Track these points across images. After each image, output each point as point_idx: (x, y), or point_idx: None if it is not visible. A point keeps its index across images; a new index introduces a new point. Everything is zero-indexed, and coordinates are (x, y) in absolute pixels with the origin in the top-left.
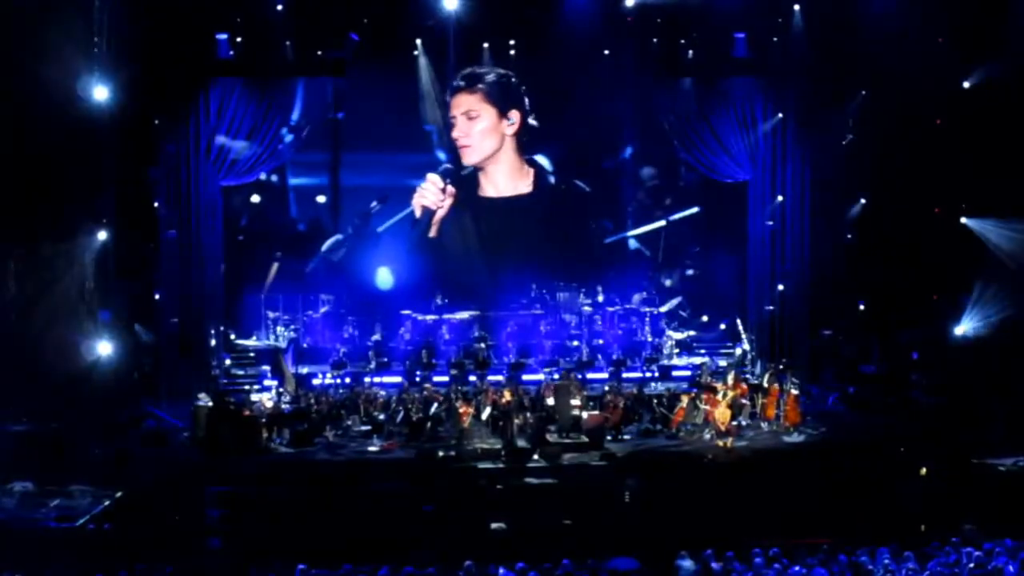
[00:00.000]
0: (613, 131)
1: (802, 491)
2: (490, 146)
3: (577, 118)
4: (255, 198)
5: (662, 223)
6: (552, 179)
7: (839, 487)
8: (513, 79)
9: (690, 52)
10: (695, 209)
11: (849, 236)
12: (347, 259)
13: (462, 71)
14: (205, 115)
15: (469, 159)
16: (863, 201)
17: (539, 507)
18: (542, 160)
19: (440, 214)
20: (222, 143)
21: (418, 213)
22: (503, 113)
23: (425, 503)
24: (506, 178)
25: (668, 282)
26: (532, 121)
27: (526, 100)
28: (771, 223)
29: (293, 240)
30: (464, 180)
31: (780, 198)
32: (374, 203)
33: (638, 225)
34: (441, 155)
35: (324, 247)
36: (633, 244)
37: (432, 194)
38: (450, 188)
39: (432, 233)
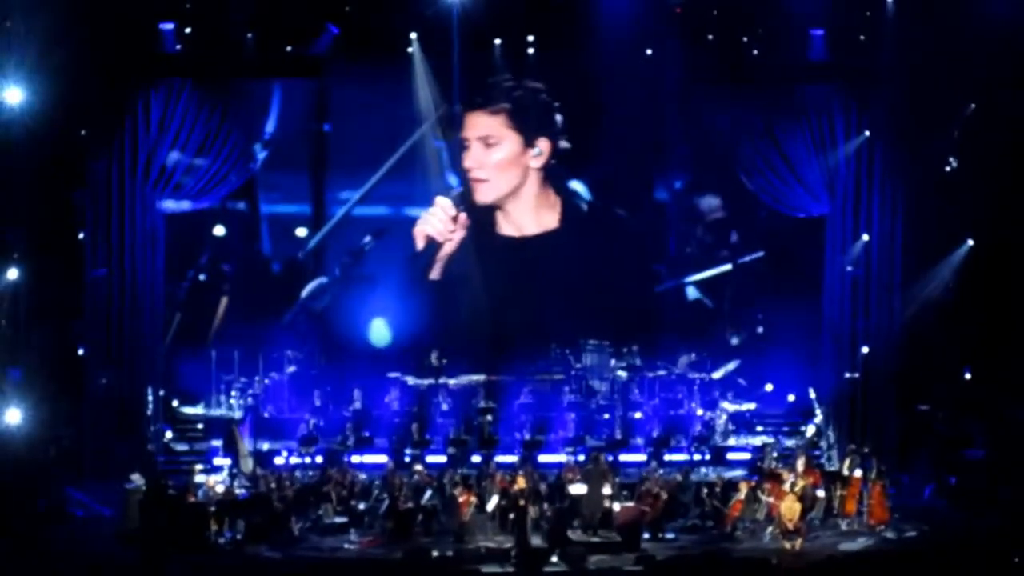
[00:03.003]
0: (662, 154)
1: None
2: (509, 182)
3: (616, 137)
4: (219, 230)
5: (727, 267)
6: (584, 206)
7: None
8: (544, 95)
9: (754, 52)
10: (759, 253)
11: (950, 286)
12: (332, 308)
13: (485, 81)
14: (145, 125)
15: (483, 196)
16: (969, 243)
17: None
18: (578, 187)
19: (448, 249)
20: (176, 160)
21: (420, 244)
22: (529, 142)
23: None
24: (529, 214)
25: (736, 340)
26: (564, 144)
27: (558, 119)
28: (852, 268)
29: (265, 283)
30: (477, 211)
31: (865, 237)
32: (367, 238)
33: (698, 269)
34: (452, 179)
35: (304, 293)
36: (692, 293)
37: (440, 222)
38: (463, 217)
39: (434, 274)
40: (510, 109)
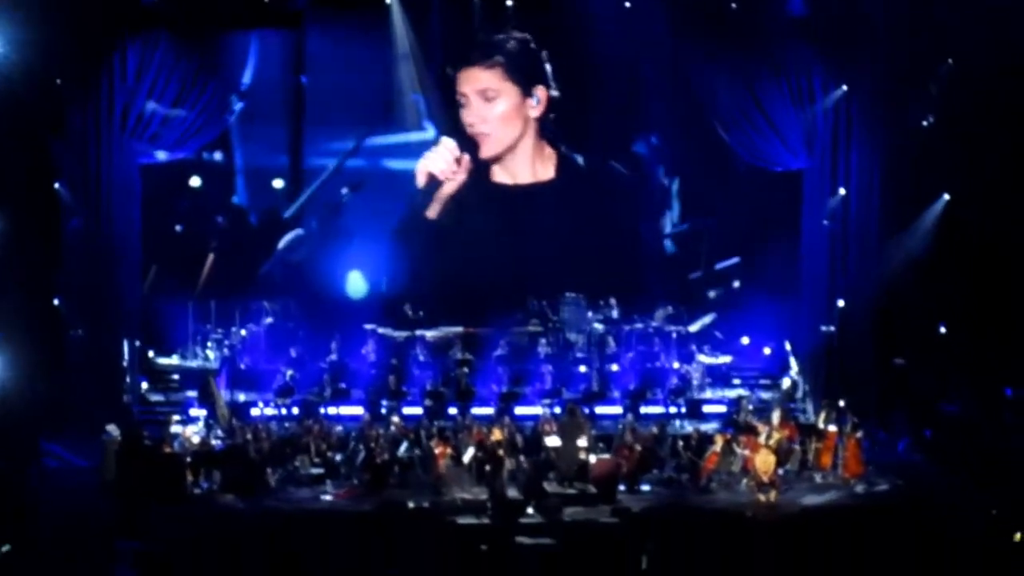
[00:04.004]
0: (640, 108)
1: (863, 559)
2: (512, 134)
3: (595, 92)
4: (195, 181)
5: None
6: (581, 160)
7: (910, 555)
8: (532, 44)
9: (732, 5)
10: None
11: (927, 242)
12: (309, 260)
13: (479, 37)
14: (121, 75)
15: (488, 150)
16: (946, 198)
17: (534, 574)
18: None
19: (448, 189)
20: (153, 110)
21: (421, 182)
22: (527, 91)
23: (390, 567)
24: (525, 164)
25: (712, 293)
26: (555, 93)
27: (548, 68)
28: (829, 223)
29: (242, 235)
30: (476, 162)
31: (842, 192)
32: (345, 190)
33: (675, 222)
34: (431, 129)
35: (281, 244)
36: (670, 247)
37: (444, 161)
38: (466, 159)
39: (432, 213)
40: (504, 62)
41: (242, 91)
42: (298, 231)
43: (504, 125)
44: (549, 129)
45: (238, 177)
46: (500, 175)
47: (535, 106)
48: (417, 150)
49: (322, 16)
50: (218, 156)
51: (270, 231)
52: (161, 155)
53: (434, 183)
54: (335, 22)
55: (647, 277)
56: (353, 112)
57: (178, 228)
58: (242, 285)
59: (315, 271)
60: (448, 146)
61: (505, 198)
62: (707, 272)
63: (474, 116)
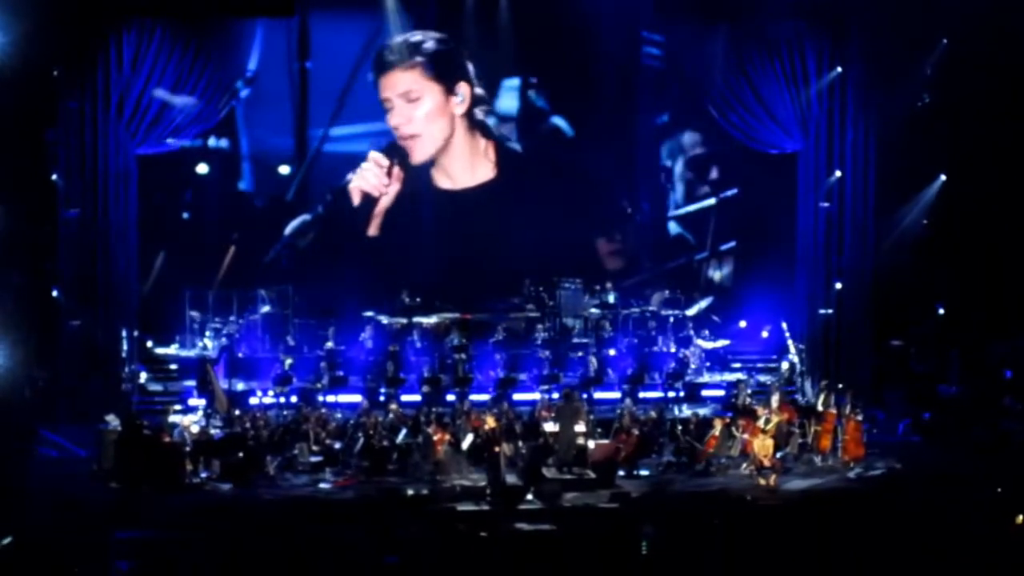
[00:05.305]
0: (640, 90)
1: (863, 542)
2: (441, 132)
3: (594, 74)
4: (202, 168)
5: (711, 201)
6: (519, 147)
7: (910, 537)
8: (451, 44)
9: None
10: (733, 191)
11: (924, 222)
12: (316, 245)
13: (390, 42)
14: (117, 64)
15: (419, 154)
16: (942, 178)
17: (533, 560)
18: (559, 122)
19: (384, 204)
20: (158, 99)
21: (355, 200)
22: (449, 89)
23: (389, 554)
24: (463, 167)
25: (718, 275)
26: (479, 91)
27: (470, 67)
28: (826, 204)
29: (247, 221)
30: (412, 167)
31: (838, 174)
32: (350, 176)
33: (681, 204)
34: None
35: (288, 230)
36: (674, 229)
37: (374, 176)
38: (396, 170)
39: (372, 230)
40: (424, 62)
41: (248, 77)
42: (304, 217)
43: (430, 124)
44: (479, 121)
45: (244, 163)
46: (442, 181)
47: (460, 103)
48: None
49: (323, 1)
50: (224, 143)
51: (276, 217)
52: (169, 141)
53: (369, 200)
54: (336, 7)
55: (644, 260)
56: (356, 98)
57: (185, 216)
58: (252, 272)
59: (322, 257)
60: (376, 159)
61: (454, 201)
62: (713, 253)
63: (399, 118)
